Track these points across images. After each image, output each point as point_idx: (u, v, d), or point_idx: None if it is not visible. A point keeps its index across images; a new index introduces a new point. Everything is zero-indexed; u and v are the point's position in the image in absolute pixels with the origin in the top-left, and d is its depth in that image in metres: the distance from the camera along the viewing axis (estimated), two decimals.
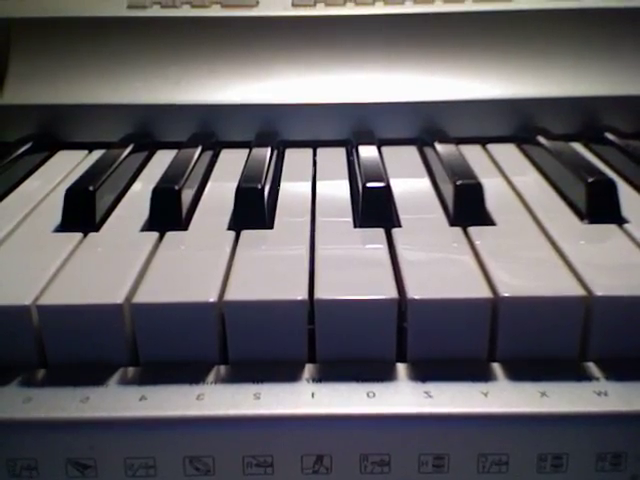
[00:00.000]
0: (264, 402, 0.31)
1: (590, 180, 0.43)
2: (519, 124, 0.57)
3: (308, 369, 0.33)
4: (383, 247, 0.38)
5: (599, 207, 0.42)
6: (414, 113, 0.57)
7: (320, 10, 0.58)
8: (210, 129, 0.57)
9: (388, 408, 0.31)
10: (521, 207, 0.44)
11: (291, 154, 0.55)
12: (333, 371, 0.32)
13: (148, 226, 0.42)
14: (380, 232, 0.39)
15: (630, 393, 0.31)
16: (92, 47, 0.58)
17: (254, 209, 0.42)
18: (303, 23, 0.58)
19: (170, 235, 0.40)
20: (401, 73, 0.58)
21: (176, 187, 0.43)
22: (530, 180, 0.49)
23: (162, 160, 0.52)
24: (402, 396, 0.31)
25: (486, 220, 0.42)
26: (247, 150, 0.52)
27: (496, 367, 0.33)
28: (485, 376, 0.32)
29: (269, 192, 0.45)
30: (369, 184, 0.43)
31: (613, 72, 0.57)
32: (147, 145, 0.56)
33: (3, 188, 0.49)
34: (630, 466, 0.31)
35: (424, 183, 0.49)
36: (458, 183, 0.43)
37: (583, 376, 0.32)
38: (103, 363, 0.33)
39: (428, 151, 0.53)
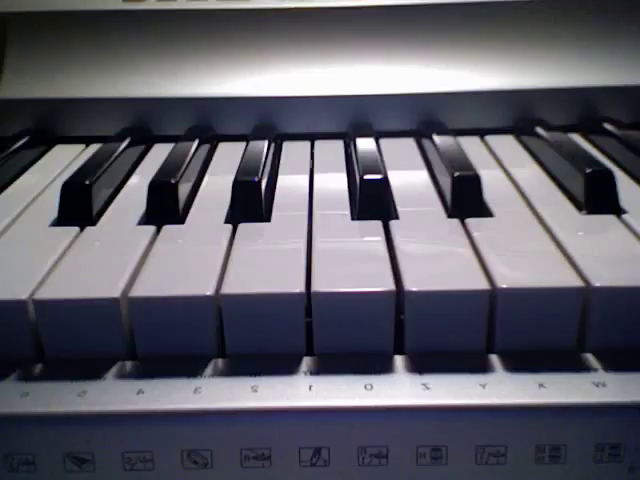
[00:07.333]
0: (262, 395, 0.31)
1: (588, 171, 0.43)
2: (517, 115, 0.57)
3: (306, 362, 0.33)
4: (381, 239, 0.37)
5: (597, 198, 0.42)
6: (412, 105, 0.56)
7: (317, 1, 0.58)
8: (207, 122, 0.57)
9: (386, 400, 0.31)
10: (519, 198, 0.44)
11: (289, 147, 0.55)
12: (331, 364, 0.32)
13: (145, 220, 0.42)
14: (378, 224, 0.39)
15: (628, 384, 0.31)
16: (89, 41, 0.58)
17: (251, 202, 0.42)
18: (300, 15, 0.58)
19: (167, 229, 0.40)
20: (399, 65, 0.57)
21: (173, 181, 0.43)
22: (528, 171, 0.49)
23: (159, 154, 0.52)
24: (400, 388, 0.31)
25: (484, 212, 0.42)
26: (244, 143, 0.52)
27: (494, 359, 0.33)
28: (483, 368, 0.32)
29: (266, 185, 0.45)
30: (367, 176, 0.43)
31: (612, 62, 0.57)
32: (144, 139, 0.56)
33: (0, 182, 0.49)
34: (628, 457, 0.31)
35: (422, 175, 0.48)
36: (456, 175, 0.43)
37: (581, 367, 0.32)
38: (100, 357, 0.33)
39: (426, 143, 0.53)
